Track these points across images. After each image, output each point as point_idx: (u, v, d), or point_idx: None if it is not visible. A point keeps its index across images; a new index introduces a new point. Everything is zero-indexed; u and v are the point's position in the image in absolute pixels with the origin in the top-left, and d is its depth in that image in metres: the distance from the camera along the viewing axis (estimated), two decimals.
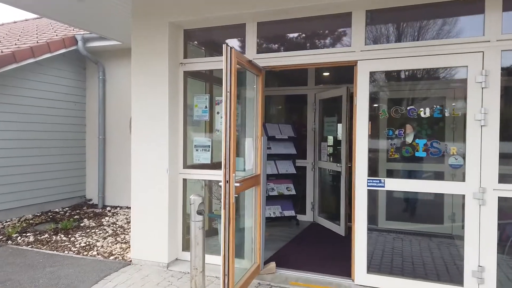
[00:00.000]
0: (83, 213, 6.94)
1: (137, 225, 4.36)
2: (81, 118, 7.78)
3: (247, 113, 4.07)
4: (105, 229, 5.82)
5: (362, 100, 3.62)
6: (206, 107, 4.33)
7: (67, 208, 7.31)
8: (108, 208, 7.34)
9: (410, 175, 5.08)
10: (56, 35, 7.34)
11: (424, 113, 3.48)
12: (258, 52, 4.04)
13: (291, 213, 6.16)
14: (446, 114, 3.42)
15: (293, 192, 6.21)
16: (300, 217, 6.40)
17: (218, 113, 4.32)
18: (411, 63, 3.45)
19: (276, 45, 4.12)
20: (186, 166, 4.44)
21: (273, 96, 7.12)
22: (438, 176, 5.12)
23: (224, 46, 3.06)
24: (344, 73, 6.44)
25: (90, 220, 6.39)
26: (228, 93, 3.06)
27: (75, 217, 6.63)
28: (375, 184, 3.60)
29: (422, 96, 3.64)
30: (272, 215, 6.04)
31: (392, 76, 3.67)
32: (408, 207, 6.03)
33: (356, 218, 3.67)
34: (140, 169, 4.31)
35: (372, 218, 3.85)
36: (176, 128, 4.34)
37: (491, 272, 3.28)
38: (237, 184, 3.11)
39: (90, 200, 7.86)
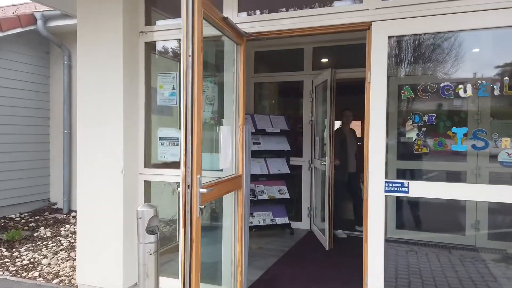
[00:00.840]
0: (43, 220, 5.94)
1: (84, 242, 3.38)
2: (43, 110, 6.77)
3: (225, 96, 3.12)
4: (60, 241, 4.84)
5: (378, 76, 2.68)
6: (173, 89, 3.36)
7: (26, 214, 6.30)
8: (74, 214, 6.34)
9: (443, 176, 4.14)
10: (13, 13, 6.32)
11: (464, 92, 2.54)
12: (240, 12, 3.08)
13: (284, 220, 5.22)
14: (496, 93, 2.48)
15: (287, 195, 5.26)
16: (295, 224, 5.46)
17: None
18: (447, 23, 2.50)
19: (264, 5, 3.15)
20: (149, 164, 3.47)
21: (264, 83, 6.17)
22: (482, 178, 4.19)
23: None
24: (348, 53, 5.51)
25: (47, 229, 5.40)
26: (190, 58, 2.10)
27: (31, 224, 5.63)
28: (395, 189, 2.66)
29: (461, 69, 2.69)
30: (262, 223, 5.09)
31: (419, 42, 2.73)
32: (422, 212, 5.12)
33: (370, 234, 2.72)
34: (88, 169, 3.34)
35: None
36: (135, 116, 3.37)
37: None
38: (204, 190, 2.15)
39: (55, 204, 6.85)
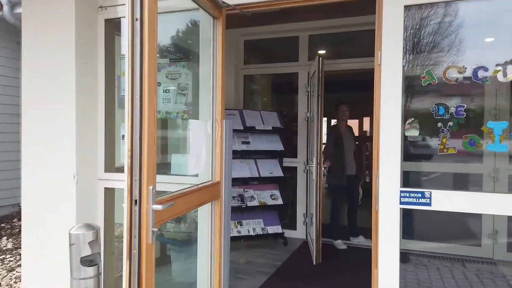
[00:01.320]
0: (8, 228, 5.33)
1: (30, 260, 2.79)
2: (13, 106, 6.14)
3: (201, 85, 2.53)
4: (20, 254, 4.22)
5: (391, 56, 2.10)
6: None
7: None
8: None
9: (472, 183, 3.57)
10: None
11: (504, 75, 1.97)
12: None
13: (276, 229, 4.64)
14: None
15: (280, 201, 4.68)
16: (289, 233, 4.88)
17: (159, 84, 2.76)
18: None
19: None
20: (112, 168, 2.88)
21: (255, 76, 5.59)
22: (500, 182, 3.65)
23: None
24: (349, 41, 4.95)
25: (11, 239, 4.79)
26: (138, 22, 1.51)
27: None
28: (414, 201, 2.08)
29: (500, 47, 2.11)
30: (252, 233, 4.51)
31: (444, 12, 2.15)
32: (431, 219, 4.56)
33: (381, 258, 2.15)
34: (34, 174, 2.74)
35: None
36: (92, 109, 2.78)
37: None
38: (158, 207, 1.56)
39: None
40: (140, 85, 1.52)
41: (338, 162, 4.53)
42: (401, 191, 2.10)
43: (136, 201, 1.52)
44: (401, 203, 2.10)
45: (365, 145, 8.58)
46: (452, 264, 4.18)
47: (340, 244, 4.52)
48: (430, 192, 2.05)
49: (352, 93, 8.00)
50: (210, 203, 2.35)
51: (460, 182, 4.15)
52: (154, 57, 1.57)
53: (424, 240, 4.48)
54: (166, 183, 2.58)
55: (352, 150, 4.67)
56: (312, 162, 4.12)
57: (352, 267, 3.99)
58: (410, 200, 2.09)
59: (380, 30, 2.15)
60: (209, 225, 2.42)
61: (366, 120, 14.21)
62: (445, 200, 2.02)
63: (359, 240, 4.68)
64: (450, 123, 2.06)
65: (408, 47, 2.14)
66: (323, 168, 4.22)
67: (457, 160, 3.92)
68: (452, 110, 2.05)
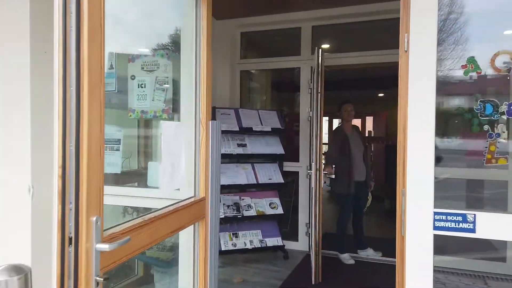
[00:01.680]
0: None
1: None
2: None
3: (181, 79, 2.07)
4: None
5: (423, 40, 1.64)
6: (112, 67, 2.30)
7: None
8: None
9: (494, 190, 3.15)
10: None
11: None
12: None
13: (276, 241, 4.17)
14: None
15: (280, 210, 4.22)
16: (290, 245, 4.42)
17: (133, 77, 2.28)
18: None
19: None
20: None
21: (253, 71, 5.12)
22: None
23: None
24: (357, 33, 4.48)
25: None
26: None
27: None
28: (453, 225, 1.62)
29: None
30: (249, 246, 4.04)
31: None
32: None
33: None
34: None
35: None
36: (53, 107, 2.31)
37: None
38: (105, 247, 1.10)
39: None
40: (76, 71, 1.05)
41: (344, 168, 4.06)
42: (435, 213, 1.63)
43: (71, 239, 1.05)
44: (435, 228, 1.64)
45: (369, 145, 8.14)
46: (473, 282, 3.72)
47: (347, 258, 4.05)
48: (474, 215, 1.58)
49: (354, 91, 7.55)
50: (194, 224, 1.89)
51: (478, 190, 3.70)
52: (100, 31, 1.11)
53: (439, 254, 4.00)
54: (143, 198, 2.14)
55: (361, 153, 4.20)
56: (311, 167, 3.65)
57: (359, 285, 3.54)
58: (447, 224, 1.62)
59: (407, 7, 1.68)
60: (191, 250, 1.95)
61: (369, 120, 13.73)
62: (495, 226, 1.55)
63: (368, 253, 4.21)
64: (500, 125, 1.59)
65: (442, 28, 1.67)
66: (325, 174, 3.77)
67: (473, 164, 3.47)
68: (504, 108, 1.58)
